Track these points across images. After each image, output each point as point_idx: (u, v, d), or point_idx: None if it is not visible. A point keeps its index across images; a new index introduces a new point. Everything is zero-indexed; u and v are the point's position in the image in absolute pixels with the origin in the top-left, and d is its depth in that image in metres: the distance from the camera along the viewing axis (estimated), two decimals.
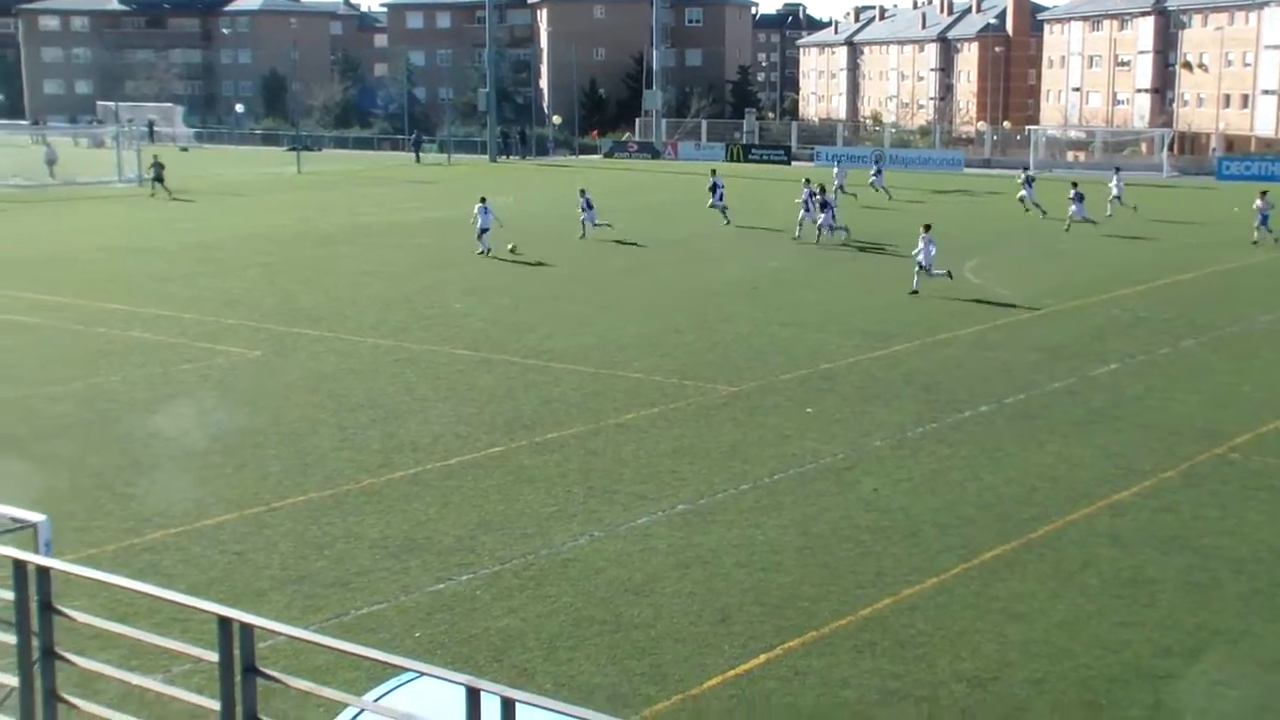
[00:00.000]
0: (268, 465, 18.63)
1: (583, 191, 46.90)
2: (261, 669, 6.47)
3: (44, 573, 6.97)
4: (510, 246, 40.23)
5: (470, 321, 30.00)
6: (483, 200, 41.84)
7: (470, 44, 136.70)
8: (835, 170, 59.26)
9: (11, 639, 7.09)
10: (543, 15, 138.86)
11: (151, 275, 37.05)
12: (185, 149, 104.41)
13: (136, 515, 16.41)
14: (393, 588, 14.04)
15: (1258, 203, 44.93)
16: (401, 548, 15.26)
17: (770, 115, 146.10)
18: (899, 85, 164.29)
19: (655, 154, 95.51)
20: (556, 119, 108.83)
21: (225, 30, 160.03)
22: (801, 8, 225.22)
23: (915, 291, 33.46)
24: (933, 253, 33.86)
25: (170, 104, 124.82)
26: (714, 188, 51.05)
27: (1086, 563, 14.92)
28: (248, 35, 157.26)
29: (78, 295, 33.12)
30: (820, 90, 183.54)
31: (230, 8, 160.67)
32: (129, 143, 75.60)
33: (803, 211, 45.78)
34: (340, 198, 58.88)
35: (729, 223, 48.66)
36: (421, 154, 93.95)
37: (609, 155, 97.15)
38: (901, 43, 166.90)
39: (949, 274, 34.25)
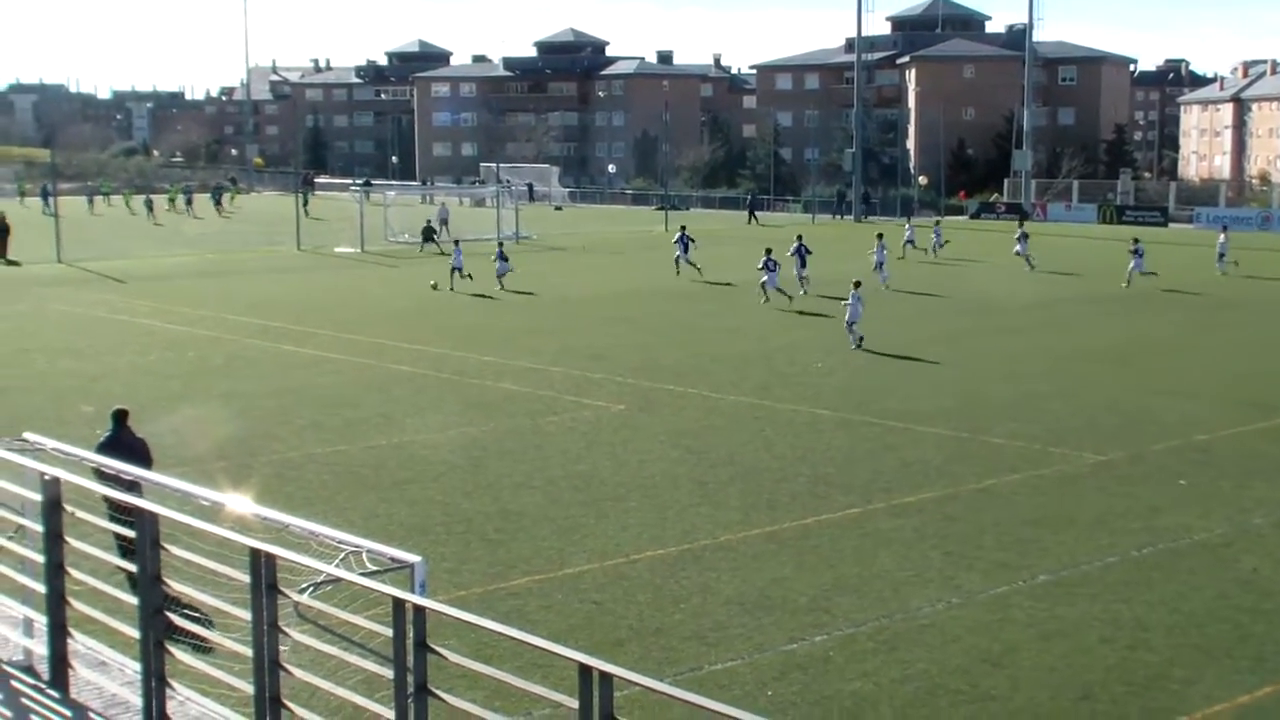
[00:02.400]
0: (628, 518, 19.03)
1: (683, 228, 47.37)
2: (619, 718, 6.60)
3: (420, 612, 7.30)
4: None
5: (830, 380, 29.97)
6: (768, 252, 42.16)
7: (837, 104, 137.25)
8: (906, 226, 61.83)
9: (389, 674, 7.45)
10: (911, 75, 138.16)
11: (521, 329, 38.50)
12: (559, 208, 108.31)
13: (503, 561, 17.02)
14: (747, 645, 14.10)
15: None
16: (756, 605, 15.31)
17: (1147, 175, 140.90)
18: None
19: (1024, 215, 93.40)
20: (923, 179, 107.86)
21: (601, 93, 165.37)
22: (1184, 64, 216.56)
23: None
24: None
25: (547, 165, 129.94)
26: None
27: None
28: (622, 98, 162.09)
29: (454, 346, 34.72)
30: (1202, 149, 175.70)
31: (607, 71, 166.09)
32: (508, 201, 79.06)
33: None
34: (703, 256, 59.76)
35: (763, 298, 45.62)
36: (755, 216, 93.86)
37: (975, 216, 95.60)
38: None
39: None
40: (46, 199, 70.74)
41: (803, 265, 46.85)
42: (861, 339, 34.27)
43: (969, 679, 13.18)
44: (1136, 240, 50.14)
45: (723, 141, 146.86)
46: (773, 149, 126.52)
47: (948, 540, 17.86)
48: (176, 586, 8.91)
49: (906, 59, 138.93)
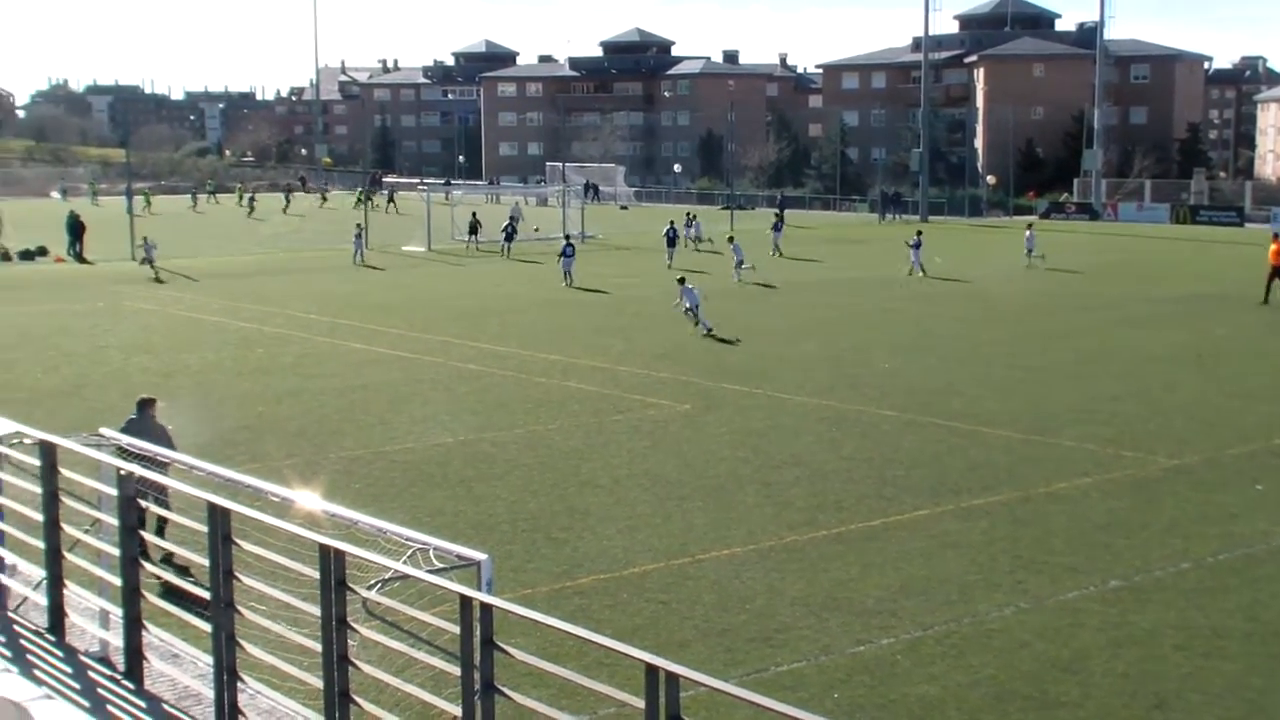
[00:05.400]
0: (693, 518, 19.00)
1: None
2: (684, 718, 6.58)
3: (486, 610, 7.32)
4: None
5: (897, 381, 29.80)
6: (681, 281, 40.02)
7: (904, 104, 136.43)
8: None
9: (456, 671, 7.48)
10: (979, 74, 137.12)
11: (587, 327, 38.57)
12: (625, 207, 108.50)
13: (569, 559, 17.05)
14: (812, 647, 14.03)
15: None
16: (822, 606, 15.24)
17: (1222, 175, 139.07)
18: None
19: (1094, 215, 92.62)
20: (991, 179, 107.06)
21: (666, 93, 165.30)
22: (1261, 61, 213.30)
23: None
24: None
25: (612, 164, 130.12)
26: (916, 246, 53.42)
27: None
28: (688, 97, 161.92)
29: (520, 345, 34.84)
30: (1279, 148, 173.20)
31: (672, 71, 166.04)
32: (572, 201, 79.24)
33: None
34: (761, 257, 59.85)
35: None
36: (887, 214, 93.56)
37: (1045, 216, 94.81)
38: None
39: None
40: (130, 198, 72.02)
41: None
42: (710, 329, 36.71)
43: (1038, 685, 13.05)
44: (919, 234, 55.22)
45: (788, 141, 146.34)
46: (839, 149, 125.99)
47: (1017, 544, 17.70)
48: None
49: (975, 58, 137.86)
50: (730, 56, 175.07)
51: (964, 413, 26.19)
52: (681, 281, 39.14)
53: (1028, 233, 59.88)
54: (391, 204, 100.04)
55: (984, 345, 35.15)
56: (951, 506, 19.51)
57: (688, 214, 68.50)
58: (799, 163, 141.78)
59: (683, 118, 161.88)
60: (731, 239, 52.00)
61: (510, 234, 66.54)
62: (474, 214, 72.16)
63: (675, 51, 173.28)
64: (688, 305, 37.73)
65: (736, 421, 25.68)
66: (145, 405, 17.89)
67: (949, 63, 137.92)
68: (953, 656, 13.77)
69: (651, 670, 6.53)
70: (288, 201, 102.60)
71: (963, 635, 14.38)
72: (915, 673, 13.35)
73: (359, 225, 62.41)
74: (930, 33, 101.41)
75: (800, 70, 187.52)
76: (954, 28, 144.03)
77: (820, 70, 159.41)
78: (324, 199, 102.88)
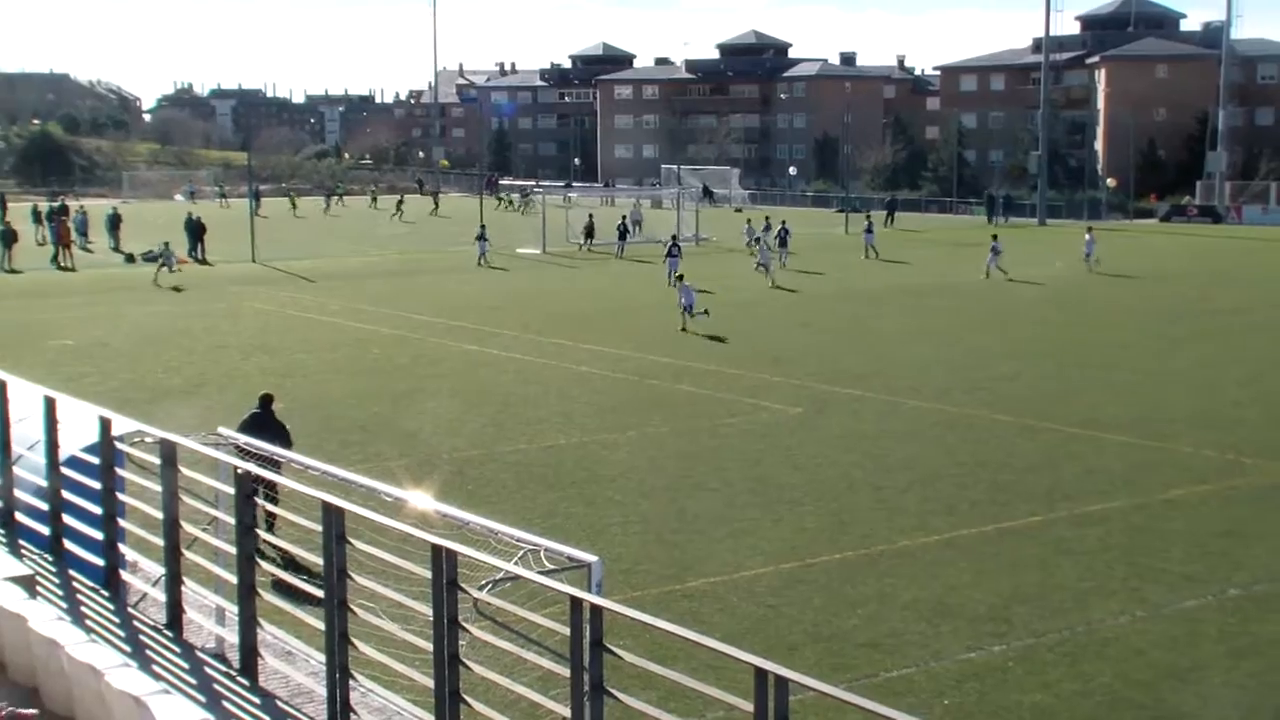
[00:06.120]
0: (804, 521, 18.94)
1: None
2: None
3: (597, 611, 7.36)
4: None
5: (1013, 387, 29.43)
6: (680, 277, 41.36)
7: (1023, 106, 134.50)
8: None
9: (565, 672, 7.53)
10: (1101, 75, 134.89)
11: (698, 330, 38.50)
12: (739, 209, 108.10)
13: (679, 562, 17.07)
14: (923, 652, 13.93)
15: None
16: (933, 612, 15.11)
17: None
18: None
19: (1217, 218, 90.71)
20: (1111, 181, 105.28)
21: (783, 95, 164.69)
22: None
23: None
24: None
25: (727, 167, 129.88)
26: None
27: None
28: (804, 99, 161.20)
29: (633, 348, 34.91)
30: None
31: (789, 73, 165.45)
32: (686, 203, 79.25)
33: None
34: (882, 258, 59.36)
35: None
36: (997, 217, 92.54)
37: (1165, 219, 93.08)
38: None
39: None
40: (255, 200, 73.40)
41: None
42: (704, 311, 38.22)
43: (1154, 694, 12.83)
44: (994, 237, 54.56)
45: (905, 143, 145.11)
46: (955, 151, 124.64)
47: (1133, 551, 17.42)
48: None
49: (1096, 59, 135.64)
50: (847, 58, 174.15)
51: (1081, 418, 25.81)
52: (680, 279, 40.55)
53: (1087, 236, 58.37)
54: (526, 207, 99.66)
55: (1103, 349, 34.58)
56: (1066, 513, 19.25)
57: (766, 219, 66.82)
58: (916, 165, 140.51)
59: (798, 120, 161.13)
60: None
61: (624, 234, 66.76)
62: (590, 216, 72.55)
63: (792, 54, 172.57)
64: (683, 303, 38.73)
65: (848, 425, 25.54)
66: (266, 401, 18.70)
67: (1070, 64, 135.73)
68: (1066, 664, 13.59)
69: (760, 673, 6.53)
70: (400, 204, 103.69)
71: (1077, 643, 14.19)
72: (1027, 680, 13.20)
73: (482, 227, 62.88)
74: (1051, 33, 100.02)
75: (918, 72, 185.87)
76: (1076, 28, 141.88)
77: (938, 72, 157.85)
78: (436, 204, 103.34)
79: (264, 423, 17.67)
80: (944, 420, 25.83)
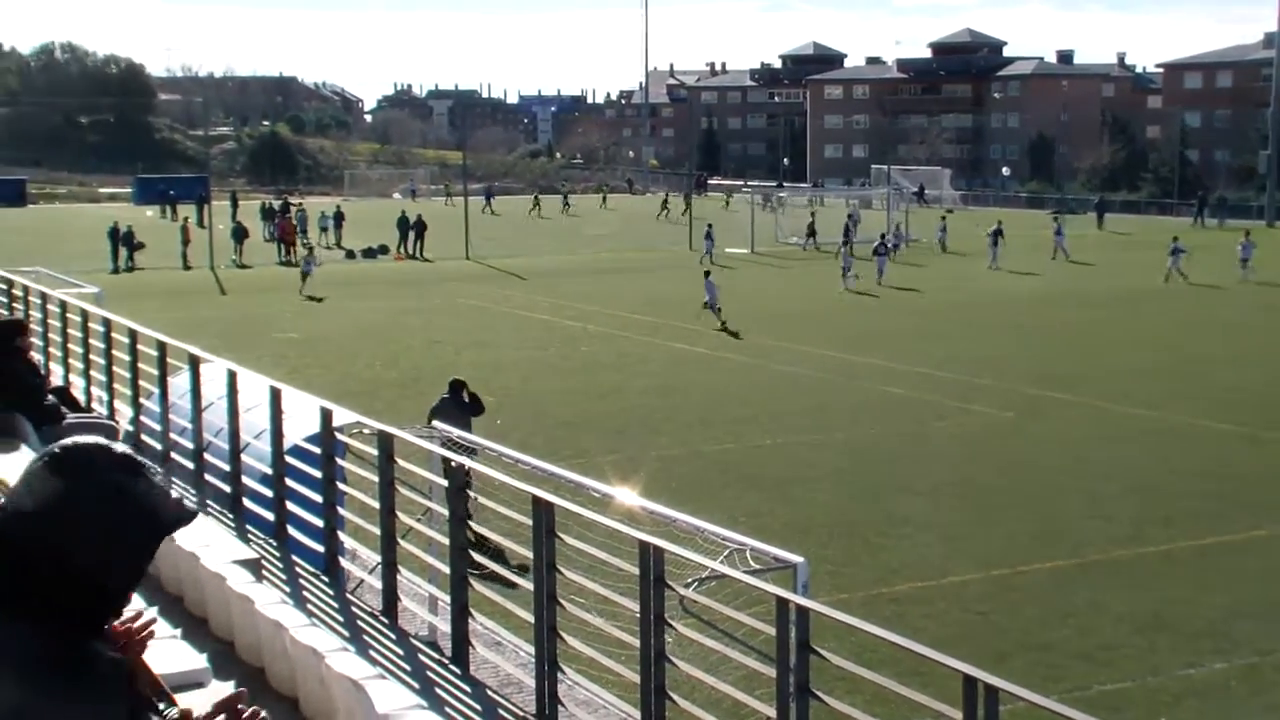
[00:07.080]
0: (1014, 527, 18.58)
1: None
2: None
3: (803, 613, 7.33)
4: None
5: (1237, 396, 28.40)
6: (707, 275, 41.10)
7: (1252, 104, 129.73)
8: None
9: (770, 671, 7.51)
10: None
11: (907, 332, 38.08)
12: (950, 210, 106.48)
13: (886, 566, 16.91)
14: (1138, 666, 13.55)
15: None
16: (1149, 625, 14.69)
17: None
18: None
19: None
20: None
21: (996, 95, 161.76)
22: None
23: None
24: None
25: (939, 167, 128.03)
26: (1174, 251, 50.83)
27: None
28: (1018, 99, 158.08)
29: (840, 349, 34.64)
30: None
31: (1003, 72, 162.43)
32: (898, 204, 78.40)
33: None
34: (1092, 262, 57.90)
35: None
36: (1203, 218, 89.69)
37: None
38: None
39: None
40: (489, 199, 74.77)
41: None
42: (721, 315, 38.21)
43: None
44: (1175, 238, 52.51)
45: (1124, 143, 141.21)
46: (1178, 150, 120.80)
47: None
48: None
49: None
50: (1064, 57, 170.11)
51: None
52: (707, 275, 40.81)
53: (1243, 240, 53.44)
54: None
55: None
56: None
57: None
58: (1135, 165, 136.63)
59: (1012, 120, 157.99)
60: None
61: (847, 233, 66.25)
62: (813, 215, 72.47)
63: (1006, 52, 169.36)
64: (707, 298, 39.07)
65: (1060, 431, 24.97)
66: (456, 387, 19.54)
67: None
68: None
69: (970, 681, 6.42)
70: (604, 200, 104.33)
71: None
72: (1251, 700, 12.74)
73: (709, 225, 63.03)
74: None
75: (1139, 70, 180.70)
76: None
77: (1160, 70, 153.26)
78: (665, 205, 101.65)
79: (449, 407, 18.41)
80: (1159, 428, 25.07)
